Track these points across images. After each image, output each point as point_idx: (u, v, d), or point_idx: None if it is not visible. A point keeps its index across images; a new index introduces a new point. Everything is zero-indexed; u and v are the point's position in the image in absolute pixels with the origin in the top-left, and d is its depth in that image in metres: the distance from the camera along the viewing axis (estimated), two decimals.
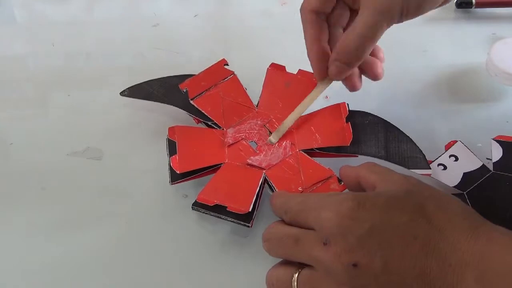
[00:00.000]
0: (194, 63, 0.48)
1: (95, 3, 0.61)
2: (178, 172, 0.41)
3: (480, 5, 0.57)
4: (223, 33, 0.58)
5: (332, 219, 0.31)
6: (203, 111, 0.45)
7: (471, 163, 0.41)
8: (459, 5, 0.58)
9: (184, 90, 0.45)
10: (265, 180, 0.41)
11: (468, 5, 0.57)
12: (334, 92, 0.46)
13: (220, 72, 0.46)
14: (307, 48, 0.42)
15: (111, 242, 0.40)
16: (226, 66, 0.47)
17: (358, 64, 0.40)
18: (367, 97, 0.47)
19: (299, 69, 0.47)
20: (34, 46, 0.58)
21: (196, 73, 0.47)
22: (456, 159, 0.41)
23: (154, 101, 0.46)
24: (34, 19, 0.61)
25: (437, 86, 0.50)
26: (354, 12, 0.42)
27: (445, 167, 0.41)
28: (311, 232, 0.32)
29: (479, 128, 0.46)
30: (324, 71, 0.41)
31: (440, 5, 0.39)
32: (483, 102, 0.49)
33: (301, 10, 0.42)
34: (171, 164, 0.41)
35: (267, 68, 0.47)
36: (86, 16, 0.60)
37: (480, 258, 0.28)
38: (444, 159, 0.42)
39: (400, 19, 0.38)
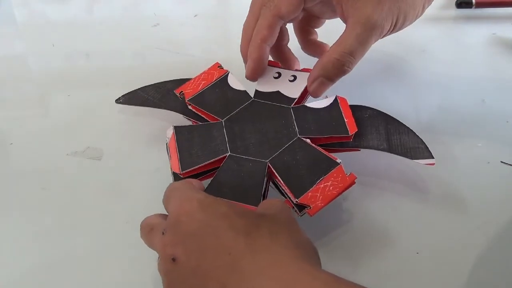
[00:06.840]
0: (194, 63, 0.48)
1: (95, 3, 0.62)
2: (181, 177, 0.40)
3: (480, 5, 0.57)
4: (223, 33, 0.58)
5: (174, 211, 0.32)
6: (200, 115, 0.44)
7: None
8: (459, 5, 0.58)
9: (181, 98, 0.45)
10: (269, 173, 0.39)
11: (468, 5, 0.57)
12: (333, 91, 0.46)
13: (214, 74, 0.46)
14: (244, 44, 0.44)
15: (111, 242, 0.40)
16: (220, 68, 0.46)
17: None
18: (366, 97, 0.47)
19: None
20: (34, 46, 0.58)
21: (196, 73, 0.47)
22: None
23: (150, 107, 0.46)
24: (34, 19, 0.61)
25: (436, 86, 0.51)
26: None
27: None
28: (164, 222, 0.33)
29: (479, 127, 0.46)
30: (260, 72, 0.43)
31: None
32: (483, 101, 0.49)
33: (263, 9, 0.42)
34: (172, 169, 0.40)
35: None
36: (86, 16, 0.61)
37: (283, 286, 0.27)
38: None
39: (386, 34, 0.40)
